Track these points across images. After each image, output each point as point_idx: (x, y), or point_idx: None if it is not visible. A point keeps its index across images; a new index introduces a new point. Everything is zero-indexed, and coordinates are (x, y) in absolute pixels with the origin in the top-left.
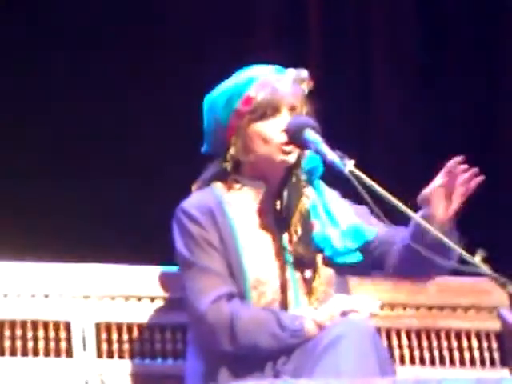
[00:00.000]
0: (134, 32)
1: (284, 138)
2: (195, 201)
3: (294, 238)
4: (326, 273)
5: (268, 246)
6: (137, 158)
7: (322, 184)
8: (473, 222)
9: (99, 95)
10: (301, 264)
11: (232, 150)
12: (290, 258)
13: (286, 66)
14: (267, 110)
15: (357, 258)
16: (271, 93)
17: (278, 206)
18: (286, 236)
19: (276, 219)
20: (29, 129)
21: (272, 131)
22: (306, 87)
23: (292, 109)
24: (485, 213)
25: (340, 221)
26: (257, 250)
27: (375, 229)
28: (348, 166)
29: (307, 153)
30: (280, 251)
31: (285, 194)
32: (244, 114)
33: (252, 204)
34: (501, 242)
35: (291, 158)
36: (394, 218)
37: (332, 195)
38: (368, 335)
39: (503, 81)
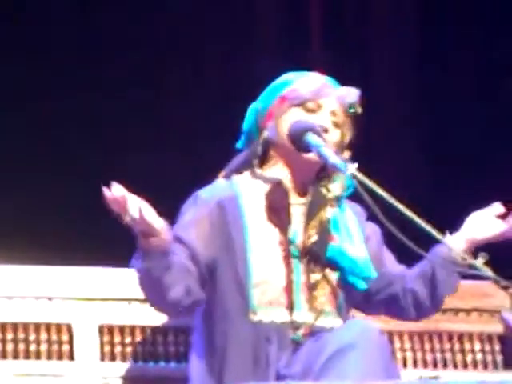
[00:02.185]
0: (138, 35)
1: None
2: (210, 190)
3: (307, 244)
4: (331, 285)
5: (278, 246)
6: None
7: (345, 202)
8: None
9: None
10: (308, 270)
11: (265, 132)
12: (299, 262)
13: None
14: (310, 103)
15: (363, 285)
16: (318, 89)
17: (300, 208)
18: (299, 239)
19: (292, 220)
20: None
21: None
22: (352, 107)
23: (333, 114)
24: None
25: (356, 245)
26: (265, 248)
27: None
28: (350, 168)
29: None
30: (289, 253)
31: (308, 197)
32: (287, 99)
33: (268, 201)
34: (503, 244)
35: (311, 157)
36: (396, 220)
37: (351, 217)
38: (376, 342)
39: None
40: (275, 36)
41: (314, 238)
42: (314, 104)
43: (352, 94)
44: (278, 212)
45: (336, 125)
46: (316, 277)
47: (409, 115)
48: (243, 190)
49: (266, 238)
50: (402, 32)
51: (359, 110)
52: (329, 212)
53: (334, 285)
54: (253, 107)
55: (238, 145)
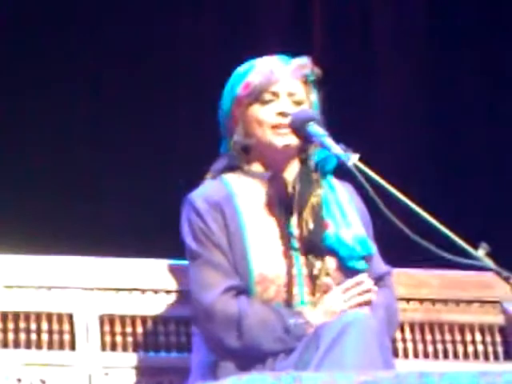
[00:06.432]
0: (134, 31)
1: (278, 120)
2: (203, 192)
3: (304, 233)
4: (331, 273)
5: (276, 240)
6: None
7: (334, 179)
8: (476, 217)
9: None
10: (308, 261)
11: (235, 137)
12: (299, 254)
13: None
14: (264, 95)
15: (364, 265)
16: (268, 77)
17: (290, 199)
18: (296, 231)
19: (286, 212)
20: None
21: (266, 114)
22: (310, 75)
23: (290, 95)
24: (488, 207)
25: (353, 223)
26: (264, 245)
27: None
28: (352, 159)
29: (316, 145)
30: (288, 246)
31: (297, 186)
32: (243, 99)
33: (262, 196)
34: (504, 235)
35: (286, 141)
36: (397, 210)
37: (344, 194)
38: (371, 328)
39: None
40: (279, 24)
41: (310, 226)
42: (269, 94)
43: (304, 64)
44: (272, 207)
45: (298, 103)
46: (317, 266)
47: (415, 111)
48: (236, 188)
49: (264, 234)
50: (407, 27)
51: (318, 74)
52: (318, 195)
53: (335, 272)
54: (219, 112)
55: (222, 149)
